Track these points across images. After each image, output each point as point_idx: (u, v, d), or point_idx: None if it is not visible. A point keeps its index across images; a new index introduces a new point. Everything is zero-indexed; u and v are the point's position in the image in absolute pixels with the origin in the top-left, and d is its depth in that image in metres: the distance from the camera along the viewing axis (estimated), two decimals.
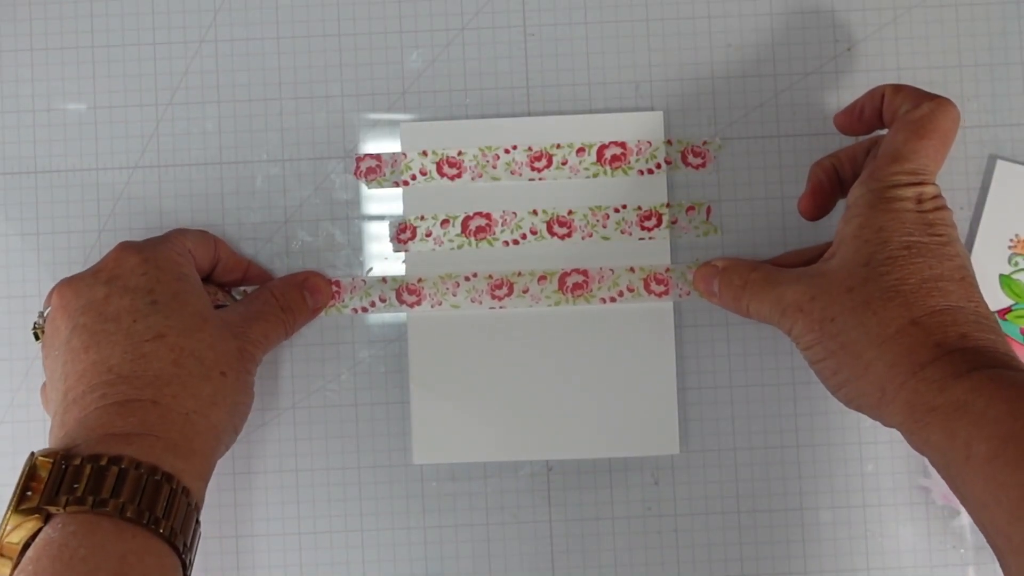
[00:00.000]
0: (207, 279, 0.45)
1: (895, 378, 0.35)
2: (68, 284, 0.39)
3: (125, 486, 0.34)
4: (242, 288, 0.46)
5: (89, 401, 0.37)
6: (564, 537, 0.46)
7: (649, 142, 0.46)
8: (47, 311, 0.41)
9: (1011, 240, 0.46)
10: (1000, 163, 0.46)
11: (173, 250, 0.41)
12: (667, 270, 0.46)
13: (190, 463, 0.37)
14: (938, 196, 0.37)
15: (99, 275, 0.39)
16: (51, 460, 0.34)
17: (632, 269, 0.46)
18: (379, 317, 0.46)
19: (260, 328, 0.42)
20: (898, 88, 0.40)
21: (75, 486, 0.34)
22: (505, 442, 0.45)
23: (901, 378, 0.35)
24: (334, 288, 0.46)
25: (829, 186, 0.42)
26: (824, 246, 0.42)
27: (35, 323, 0.41)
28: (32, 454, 0.35)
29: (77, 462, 0.34)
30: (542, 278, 0.46)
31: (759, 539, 0.46)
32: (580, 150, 0.46)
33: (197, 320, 0.39)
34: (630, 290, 0.46)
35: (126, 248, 0.40)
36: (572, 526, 0.46)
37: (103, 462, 0.34)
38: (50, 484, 0.34)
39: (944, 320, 0.35)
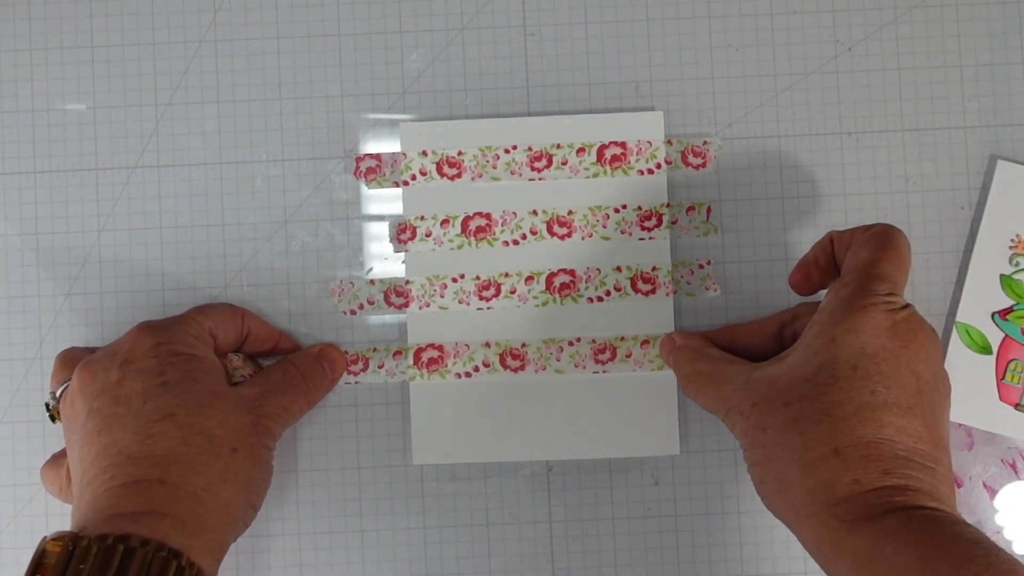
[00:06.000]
0: (238, 350, 0.45)
1: (809, 505, 0.35)
2: (86, 367, 0.40)
3: (132, 564, 0.34)
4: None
5: (100, 484, 0.37)
6: (564, 537, 0.46)
7: (649, 142, 0.46)
8: (60, 390, 0.41)
9: (1012, 240, 0.46)
10: (1001, 163, 0.46)
11: (188, 332, 0.41)
12: (654, 269, 0.46)
13: (199, 540, 0.37)
14: (910, 310, 0.36)
15: (114, 358, 0.40)
16: (61, 543, 0.35)
17: (619, 268, 0.46)
18: (379, 317, 0.46)
19: (279, 401, 0.42)
20: (843, 230, 0.40)
21: (81, 567, 0.34)
22: (505, 442, 0.45)
23: (814, 507, 0.34)
24: (347, 354, 0.46)
25: (825, 261, 0.41)
26: (791, 313, 0.42)
27: (47, 404, 0.42)
28: (43, 538, 0.35)
29: (85, 543, 0.34)
30: (529, 279, 0.46)
31: (759, 539, 0.45)
32: (580, 150, 0.46)
33: (207, 397, 0.39)
34: (617, 289, 0.46)
35: (142, 330, 0.41)
36: (572, 526, 0.46)
37: (109, 541, 0.35)
38: (59, 566, 0.34)
39: (869, 453, 0.34)
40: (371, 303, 0.46)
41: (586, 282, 0.46)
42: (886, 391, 0.35)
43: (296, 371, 0.44)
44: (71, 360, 0.42)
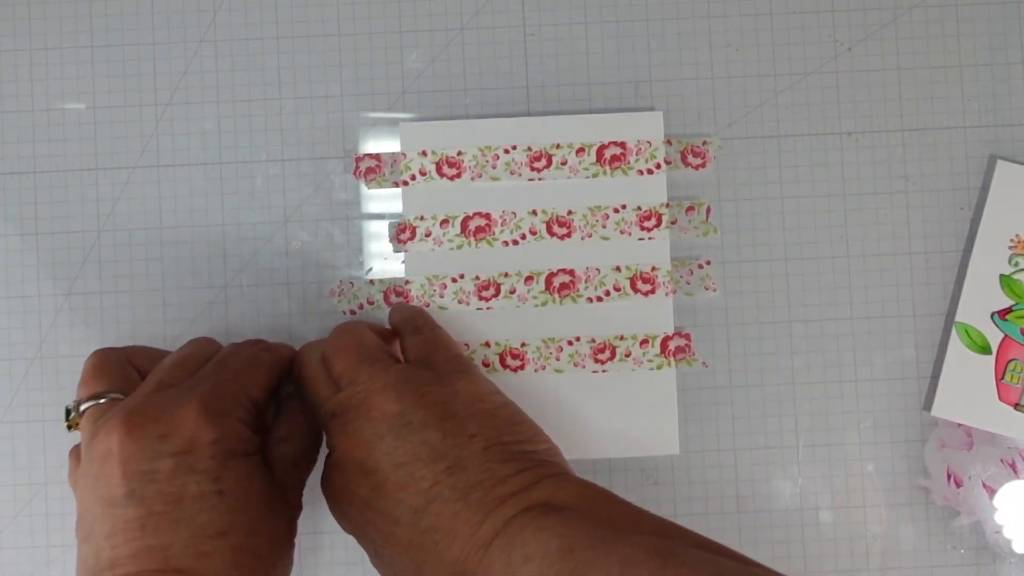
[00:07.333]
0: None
1: None
2: (131, 433, 0.36)
3: None
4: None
5: None
6: None
7: (649, 142, 0.46)
8: (87, 407, 0.39)
9: (1011, 240, 0.46)
10: (1000, 163, 0.46)
11: (243, 420, 0.39)
12: (653, 269, 0.46)
13: None
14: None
15: (168, 441, 0.37)
16: None
17: (619, 268, 0.46)
18: (381, 317, 0.46)
19: (303, 475, 0.41)
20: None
21: None
22: None
23: None
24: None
25: None
26: None
27: (67, 410, 0.40)
28: None
29: None
30: (529, 279, 0.46)
31: (759, 539, 0.45)
32: (580, 150, 0.46)
33: (260, 513, 0.38)
34: (617, 289, 0.46)
35: (202, 416, 0.37)
36: None
37: None
38: None
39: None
40: (371, 303, 0.46)
41: (585, 282, 0.46)
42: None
43: (317, 434, 0.42)
44: (107, 370, 0.40)
